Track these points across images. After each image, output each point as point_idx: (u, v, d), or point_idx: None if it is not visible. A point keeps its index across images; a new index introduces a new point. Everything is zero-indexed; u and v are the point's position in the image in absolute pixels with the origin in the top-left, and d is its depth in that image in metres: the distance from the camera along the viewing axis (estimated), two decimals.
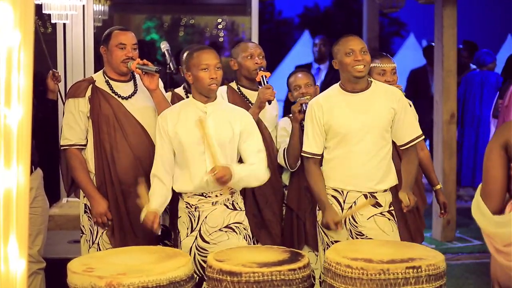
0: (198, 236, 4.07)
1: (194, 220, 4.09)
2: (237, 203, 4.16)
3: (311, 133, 4.29)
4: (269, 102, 4.53)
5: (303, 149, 4.34)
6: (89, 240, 4.41)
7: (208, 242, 4.05)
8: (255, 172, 4.06)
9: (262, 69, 4.64)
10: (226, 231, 4.07)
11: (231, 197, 4.14)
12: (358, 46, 4.17)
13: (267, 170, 4.14)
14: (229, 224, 4.09)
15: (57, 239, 5.92)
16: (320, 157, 4.32)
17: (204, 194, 4.08)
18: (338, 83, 4.34)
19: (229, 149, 4.09)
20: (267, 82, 4.59)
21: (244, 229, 4.14)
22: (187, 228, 4.10)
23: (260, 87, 4.62)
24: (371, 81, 4.30)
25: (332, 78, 8.23)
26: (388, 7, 9.01)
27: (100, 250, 4.33)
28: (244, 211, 4.21)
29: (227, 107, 4.20)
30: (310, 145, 4.30)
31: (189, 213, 4.10)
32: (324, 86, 8.44)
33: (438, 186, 5.01)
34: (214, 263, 3.46)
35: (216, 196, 4.09)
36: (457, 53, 7.81)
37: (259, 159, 4.10)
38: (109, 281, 3.17)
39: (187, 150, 4.05)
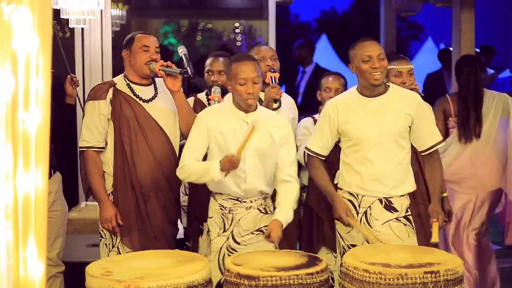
0: (230, 237, 4.10)
1: (227, 221, 4.13)
2: (268, 207, 4.22)
3: (320, 133, 4.30)
4: (275, 100, 4.57)
5: (308, 145, 4.35)
6: (108, 244, 4.42)
7: (239, 243, 4.10)
8: (296, 198, 4.12)
9: (272, 70, 4.67)
10: (257, 234, 4.12)
11: (264, 201, 4.19)
12: (375, 52, 4.14)
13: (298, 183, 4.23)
14: (261, 227, 4.14)
15: (76, 243, 5.94)
16: (323, 158, 4.34)
17: (240, 199, 4.11)
18: (356, 86, 4.33)
19: (269, 157, 4.10)
20: (275, 82, 4.64)
21: None
22: (219, 228, 4.12)
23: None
24: (389, 86, 4.27)
25: (316, 80, 8.31)
26: (406, 11, 8.98)
27: (120, 253, 4.33)
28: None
29: (267, 115, 4.19)
30: (316, 145, 4.32)
31: (222, 214, 4.13)
32: (308, 88, 8.46)
33: (445, 194, 4.97)
34: (232, 267, 3.45)
35: (251, 201, 4.13)
36: None
37: (292, 172, 4.16)
38: (127, 285, 3.17)
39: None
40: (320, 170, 4.33)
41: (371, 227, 4.16)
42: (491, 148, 5.65)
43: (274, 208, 4.27)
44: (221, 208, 4.13)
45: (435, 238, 4.12)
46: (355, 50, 4.21)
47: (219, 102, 4.71)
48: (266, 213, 4.19)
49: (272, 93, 4.54)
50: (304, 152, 4.69)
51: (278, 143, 4.12)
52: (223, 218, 4.12)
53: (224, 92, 4.84)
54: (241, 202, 4.13)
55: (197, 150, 4.11)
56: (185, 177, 4.12)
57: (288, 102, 4.94)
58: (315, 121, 4.90)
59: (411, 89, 4.56)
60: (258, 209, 4.16)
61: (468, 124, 5.56)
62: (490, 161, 5.65)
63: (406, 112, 4.17)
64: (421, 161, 4.58)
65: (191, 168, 4.04)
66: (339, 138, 4.31)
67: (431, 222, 4.15)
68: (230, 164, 3.87)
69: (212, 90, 4.80)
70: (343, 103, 4.26)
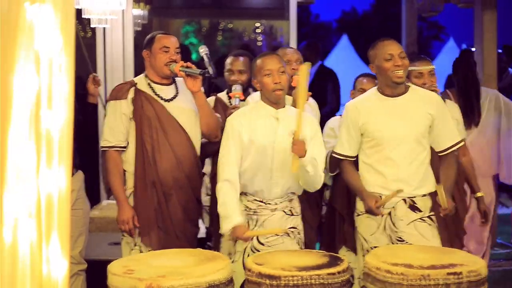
0: (255, 237, 4.08)
1: (252, 222, 4.13)
2: (294, 209, 4.19)
3: (345, 136, 4.28)
4: None
5: (336, 150, 4.34)
6: (130, 243, 4.43)
7: (263, 244, 4.08)
8: (318, 172, 4.04)
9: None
10: (281, 235, 4.09)
11: (290, 203, 4.16)
12: (397, 50, 4.13)
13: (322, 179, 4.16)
14: (285, 230, 4.11)
15: (98, 241, 5.96)
16: (353, 159, 4.31)
17: (264, 201, 4.10)
18: (376, 87, 4.32)
19: None
20: None
21: (298, 233, 4.18)
22: None
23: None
24: (409, 86, 4.26)
25: (320, 80, 8.29)
26: (427, 11, 8.93)
27: (142, 252, 4.35)
28: (300, 215, 4.23)
29: (295, 114, 4.16)
30: (343, 147, 4.30)
31: (247, 215, 4.13)
32: (310, 88, 8.46)
33: (479, 194, 4.97)
34: (254, 266, 3.45)
35: (276, 203, 4.12)
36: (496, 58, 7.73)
37: (321, 169, 4.11)
38: (149, 283, 3.18)
39: (260, 154, 4.05)
40: (352, 172, 4.28)
41: (396, 228, 4.14)
42: (487, 139, 5.81)
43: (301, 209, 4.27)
44: (246, 209, 4.13)
45: (444, 203, 4.08)
46: (375, 49, 4.20)
47: (240, 99, 4.72)
48: (292, 214, 4.16)
49: None
50: (328, 155, 4.66)
51: (308, 139, 4.10)
52: (248, 219, 4.12)
53: (244, 91, 4.84)
54: (266, 204, 4.13)
55: (236, 161, 4.06)
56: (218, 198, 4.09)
57: (311, 104, 4.92)
58: None
59: (431, 91, 4.51)
60: (283, 211, 4.15)
61: (469, 114, 5.68)
62: (485, 151, 5.83)
63: (427, 111, 4.16)
64: None
65: (220, 200, 4.02)
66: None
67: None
68: (238, 235, 3.92)
69: (233, 88, 4.80)
70: (363, 103, 4.26)
